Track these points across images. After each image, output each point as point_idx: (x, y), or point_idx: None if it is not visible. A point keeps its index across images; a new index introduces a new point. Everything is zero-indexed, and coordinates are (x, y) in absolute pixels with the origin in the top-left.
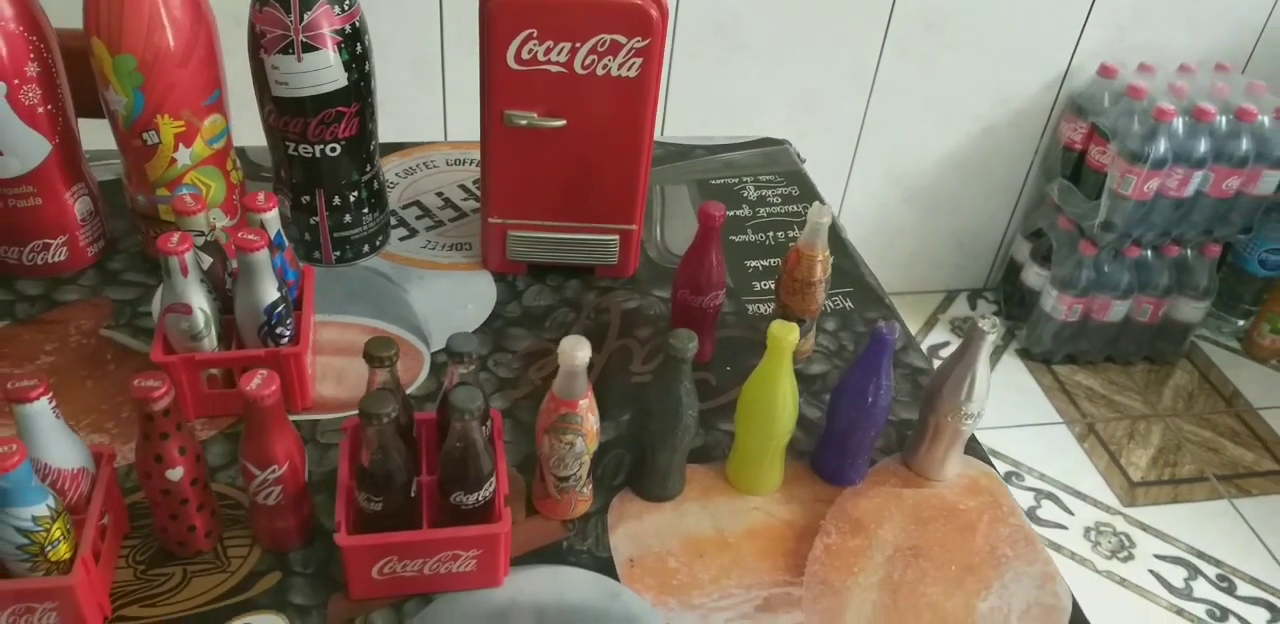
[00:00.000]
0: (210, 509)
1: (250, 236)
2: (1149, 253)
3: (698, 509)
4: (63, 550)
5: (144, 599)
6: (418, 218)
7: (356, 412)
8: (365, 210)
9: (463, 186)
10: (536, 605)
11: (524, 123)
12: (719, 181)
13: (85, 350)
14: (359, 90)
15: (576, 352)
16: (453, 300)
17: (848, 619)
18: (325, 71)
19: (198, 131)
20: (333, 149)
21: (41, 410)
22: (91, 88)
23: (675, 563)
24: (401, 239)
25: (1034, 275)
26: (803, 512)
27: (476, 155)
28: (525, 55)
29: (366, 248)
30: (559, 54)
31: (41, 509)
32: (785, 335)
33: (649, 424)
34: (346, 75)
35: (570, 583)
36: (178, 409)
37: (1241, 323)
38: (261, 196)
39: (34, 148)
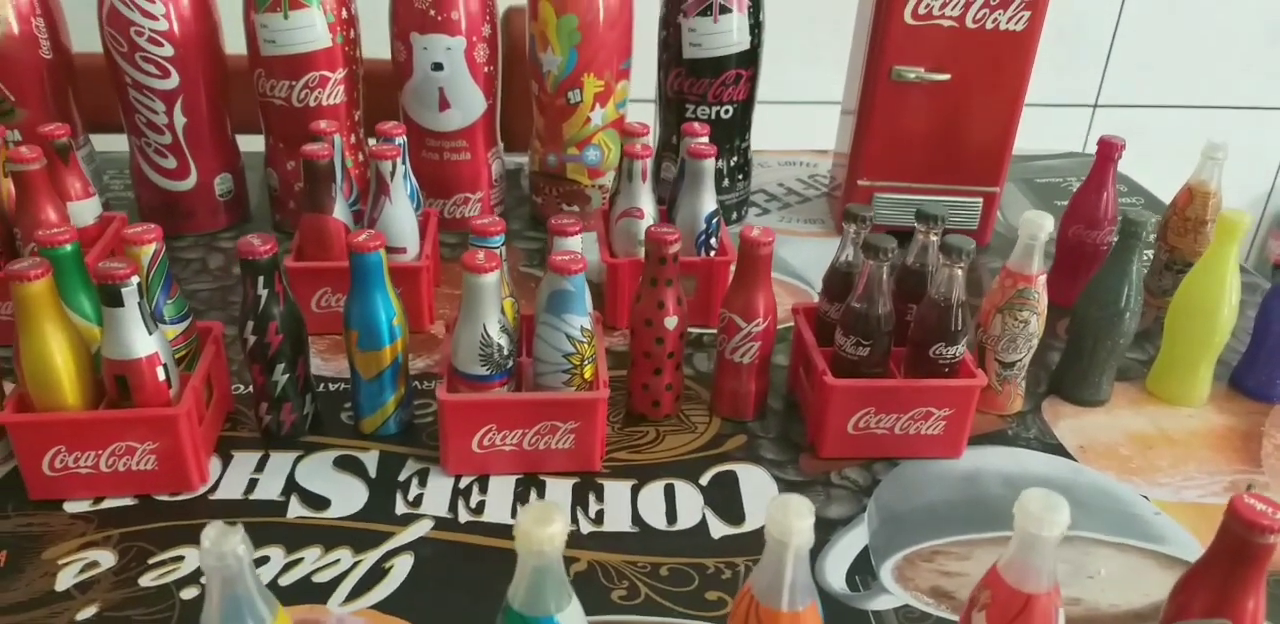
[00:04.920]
0: (680, 372)
1: (702, 144)
2: None
3: (1131, 414)
4: (589, 372)
5: (628, 447)
6: (766, 201)
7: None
8: (740, 176)
9: (800, 180)
10: (1002, 473)
11: (913, 77)
12: (1043, 181)
13: (515, 281)
14: (754, 56)
15: (1043, 222)
16: (823, 256)
17: None
18: (734, 33)
19: (611, 93)
20: (726, 111)
21: (576, 243)
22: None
23: (1127, 451)
24: (757, 216)
25: None
26: (1239, 420)
27: (806, 159)
28: (921, 10)
29: (735, 215)
30: (953, 8)
31: (587, 322)
32: (1239, 220)
33: (1093, 310)
34: (750, 39)
35: (1027, 460)
36: (679, 262)
37: None
38: (697, 125)
39: (475, 104)
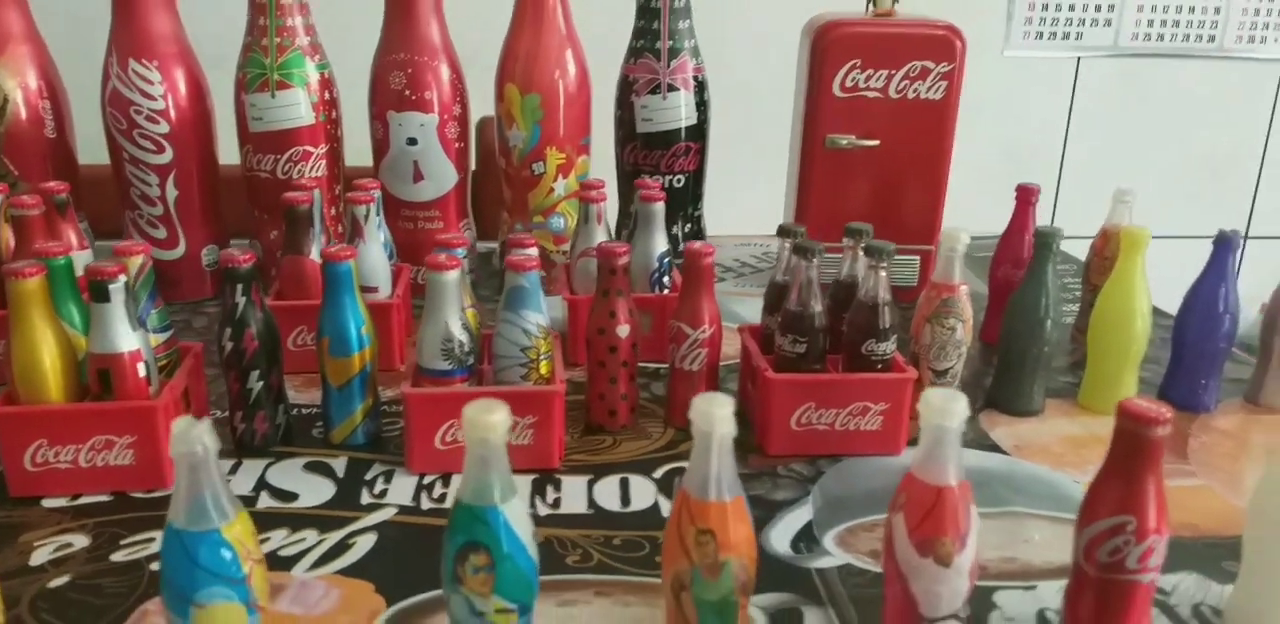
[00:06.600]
0: (635, 383)
1: (652, 190)
2: None
3: (1065, 422)
4: (544, 368)
5: (586, 451)
6: (722, 272)
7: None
8: None
9: (754, 256)
10: None
11: (845, 143)
12: (981, 255)
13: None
14: (701, 130)
15: (960, 235)
16: None
17: (1248, 480)
18: (682, 109)
19: (573, 166)
20: (679, 180)
21: (531, 252)
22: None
23: (1060, 449)
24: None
25: None
26: None
27: (760, 242)
28: (849, 83)
29: None
30: (877, 81)
31: (542, 319)
32: (1142, 234)
33: (1016, 321)
34: (696, 115)
35: (965, 455)
36: (630, 275)
37: None
38: (648, 180)
39: (446, 177)
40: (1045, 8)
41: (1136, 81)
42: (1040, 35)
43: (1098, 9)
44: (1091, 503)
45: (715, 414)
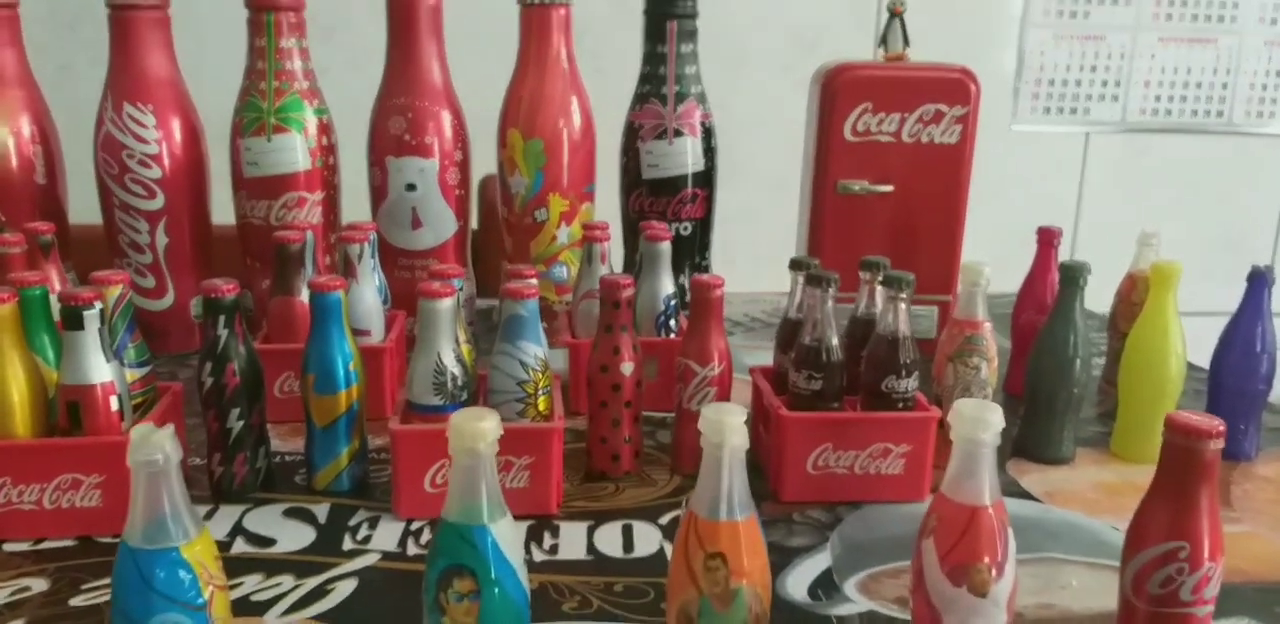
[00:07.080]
0: (640, 425)
1: (659, 229)
2: None
3: (1096, 469)
4: (543, 404)
5: (587, 498)
6: (732, 326)
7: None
8: None
9: (764, 311)
10: None
11: (857, 189)
12: (1002, 312)
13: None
14: (709, 177)
15: (982, 269)
16: None
17: None
18: (689, 154)
19: (576, 213)
20: (686, 228)
21: (530, 282)
22: None
23: (1094, 495)
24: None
25: None
26: None
27: (770, 298)
28: (860, 127)
29: None
30: (889, 124)
31: (540, 351)
32: (1173, 268)
33: (1045, 360)
34: (704, 162)
35: None
36: (634, 309)
37: None
38: (655, 222)
39: (446, 224)
40: (1051, 83)
41: (1146, 156)
42: (1048, 110)
43: (1104, 85)
44: (1139, 529)
45: (726, 423)
